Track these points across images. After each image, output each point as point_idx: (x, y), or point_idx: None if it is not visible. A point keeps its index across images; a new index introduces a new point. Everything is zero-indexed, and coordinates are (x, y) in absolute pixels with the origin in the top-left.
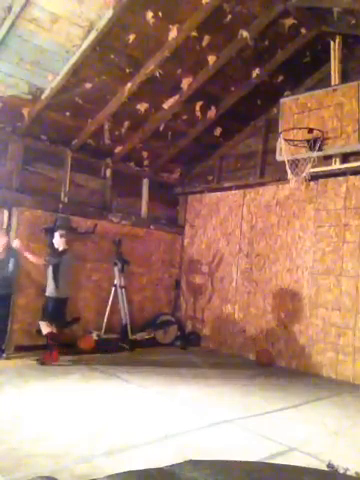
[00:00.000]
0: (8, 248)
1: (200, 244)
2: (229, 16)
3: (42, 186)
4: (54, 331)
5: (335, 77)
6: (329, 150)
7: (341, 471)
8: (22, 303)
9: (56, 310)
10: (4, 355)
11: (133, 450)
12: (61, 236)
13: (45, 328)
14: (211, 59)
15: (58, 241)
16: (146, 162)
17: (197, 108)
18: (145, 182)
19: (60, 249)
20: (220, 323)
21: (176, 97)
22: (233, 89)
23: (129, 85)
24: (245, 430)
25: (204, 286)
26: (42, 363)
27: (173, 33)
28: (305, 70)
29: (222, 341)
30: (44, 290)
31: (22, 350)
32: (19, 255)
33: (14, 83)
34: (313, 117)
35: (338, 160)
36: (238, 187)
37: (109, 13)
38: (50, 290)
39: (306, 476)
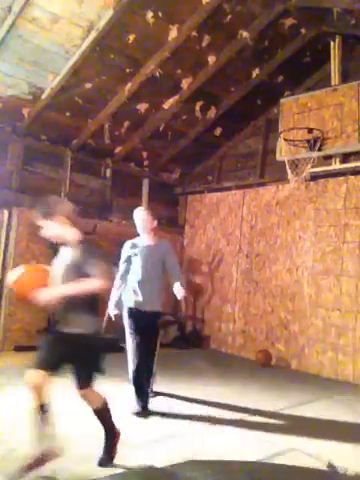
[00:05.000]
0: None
1: (200, 244)
2: (229, 16)
3: (42, 186)
4: None
5: (335, 77)
6: (329, 150)
7: (341, 471)
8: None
9: None
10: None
11: (133, 450)
12: None
13: None
14: (211, 59)
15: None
16: (146, 162)
17: (197, 108)
18: (145, 182)
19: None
20: (220, 323)
21: (176, 97)
22: (233, 89)
23: (129, 85)
24: (245, 430)
25: (204, 286)
26: None
27: (173, 33)
28: (305, 70)
29: (222, 341)
30: None
31: (22, 350)
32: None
33: (14, 83)
34: (313, 117)
35: (338, 160)
36: (238, 187)
37: (109, 13)
38: None
39: (306, 476)
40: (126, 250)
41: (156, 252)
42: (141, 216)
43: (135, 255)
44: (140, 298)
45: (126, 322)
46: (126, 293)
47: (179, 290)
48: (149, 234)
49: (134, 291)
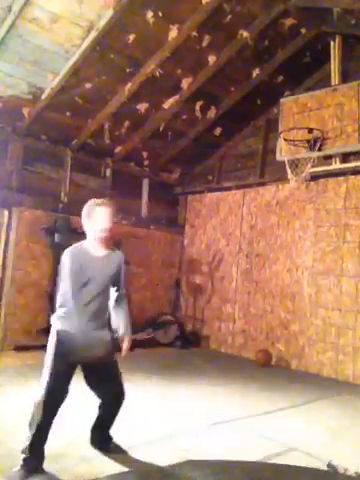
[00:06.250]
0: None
1: (200, 244)
2: (229, 16)
3: (42, 186)
4: None
5: (335, 77)
6: (329, 150)
7: (341, 471)
8: (22, 303)
9: None
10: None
11: (133, 450)
12: None
13: None
14: (211, 59)
15: None
16: (146, 162)
17: (197, 108)
18: (145, 182)
19: None
20: (220, 323)
21: (176, 97)
22: (233, 89)
23: (129, 85)
24: (245, 430)
25: (204, 286)
26: None
27: (173, 33)
28: (305, 70)
29: (222, 341)
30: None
31: (22, 350)
32: None
33: (14, 83)
34: (313, 117)
35: (338, 160)
36: (238, 187)
37: (109, 13)
38: None
39: (306, 476)
40: (76, 261)
41: (109, 266)
42: (105, 214)
43: (80, 270)
44: (86, 338)
45: (51, 345)
46: (65, 316)
47: (125, 343)
48: (104, 243)
49: (76, 324)
